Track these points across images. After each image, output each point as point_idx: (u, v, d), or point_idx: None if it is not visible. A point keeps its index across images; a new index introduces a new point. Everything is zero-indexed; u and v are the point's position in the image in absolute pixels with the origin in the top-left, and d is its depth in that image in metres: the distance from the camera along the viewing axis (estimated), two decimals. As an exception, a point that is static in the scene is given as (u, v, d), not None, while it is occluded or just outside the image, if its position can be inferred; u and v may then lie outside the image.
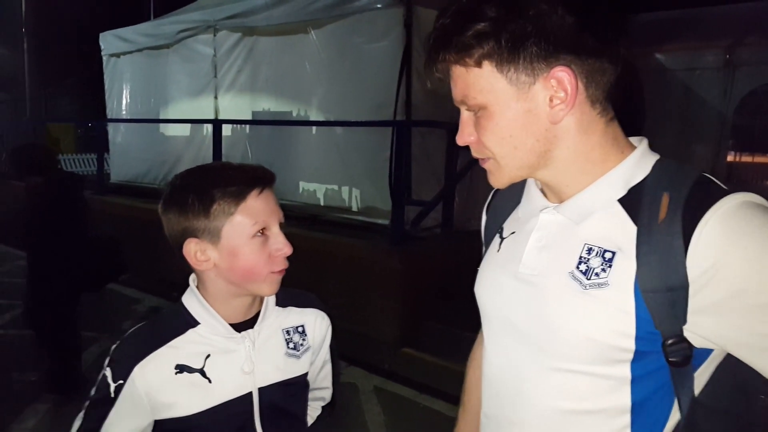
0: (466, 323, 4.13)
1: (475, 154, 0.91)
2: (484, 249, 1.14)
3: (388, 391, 3.78)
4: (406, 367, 4.04)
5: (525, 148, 0.85)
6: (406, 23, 4.69)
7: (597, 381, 0.84)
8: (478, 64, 0.82)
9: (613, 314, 0.81)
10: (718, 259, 0.75)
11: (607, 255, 0.83)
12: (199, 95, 6.68)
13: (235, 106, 6.38)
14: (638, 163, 0.87)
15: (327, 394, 1.38)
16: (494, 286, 0.99)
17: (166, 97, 7.21)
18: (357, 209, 5.16)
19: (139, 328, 1.18)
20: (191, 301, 1.16)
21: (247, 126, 6.40)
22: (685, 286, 0.77)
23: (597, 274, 0.83)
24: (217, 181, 1.09)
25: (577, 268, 0.85)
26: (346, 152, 5.25)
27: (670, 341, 0.79)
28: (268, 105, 6.14)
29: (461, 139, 0.91)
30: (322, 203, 5.54)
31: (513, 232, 1.01)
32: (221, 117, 6.47)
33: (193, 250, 1.09)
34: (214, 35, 6.33)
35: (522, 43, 0.79)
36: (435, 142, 4.90)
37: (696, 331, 0.79)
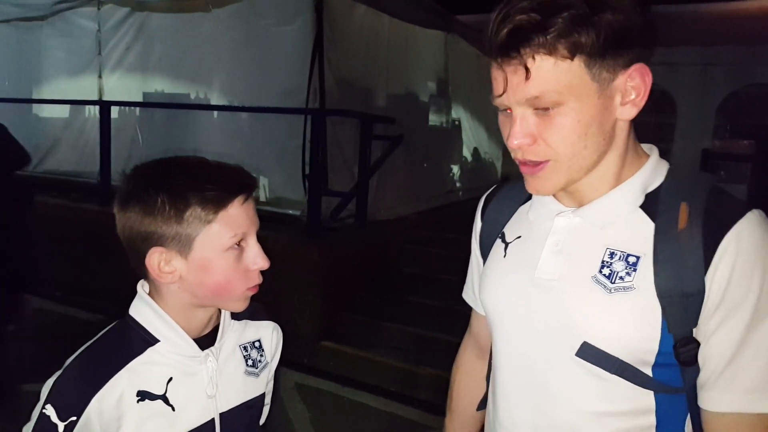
0: (383, 313, 4.20)
1: (530, 156, 0.86)
2: (479, 255, 1.12)
3: (310, 386, 3.71)
4: (327, 360, 3.99)
5: (593, 147, 0.84)
6: (317, 8, 4.55)
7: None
8: (571, 55, 0.78)
9: (640, 317, 0.83)
10: (740, 277, 0.79)
11: (631, 259, 0.84)
12: (81, 73, 6.04)
13: (122, 86, 5.84)
14: (654, 170, 0.90)
15: (266, 411, 1.26)
16: (507, 293, 0.98)
17: (39, 74, 6.44)
18: (266, 199, 4.94)
19: (84, 352, 0.99)
20: (146, 313, 1.00)
21: (137, 109, 5.92)
22: (701, 292, 0.80)
23: (621, 278, 0.84)
24: (194, 183, 0.94)
25: (600, 272, 0.86)
26: (253, 139, 5.01)
27: (680, 342, 0.82)
28: (161, 86, 5.70)
29: (516, 140, 0.84)
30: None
31: (519, 237, 0.99)
32: (106, 98, 5.90)
33: (156, 260, 0.95)
34: (98, 8, 5.75)
35: (614, 37, 0.78)
36: (346, 132, 4.82)
37: (704, 332, 0.83)
